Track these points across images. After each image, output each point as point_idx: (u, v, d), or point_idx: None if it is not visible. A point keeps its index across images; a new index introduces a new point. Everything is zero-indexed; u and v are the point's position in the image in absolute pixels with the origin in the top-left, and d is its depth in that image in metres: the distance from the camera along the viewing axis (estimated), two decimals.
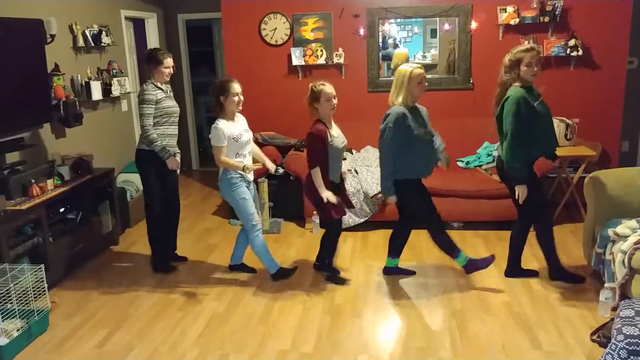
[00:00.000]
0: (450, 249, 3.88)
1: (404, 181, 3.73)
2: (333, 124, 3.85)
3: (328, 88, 3.73)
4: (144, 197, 4.34)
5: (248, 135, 3.94)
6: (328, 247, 4.11)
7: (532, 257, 4.25)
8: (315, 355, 3.10)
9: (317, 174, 3.73)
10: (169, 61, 4.01)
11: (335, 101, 3.76)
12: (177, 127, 4.19)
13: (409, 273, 4.11)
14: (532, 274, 4.00)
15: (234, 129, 3.81)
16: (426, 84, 3.70)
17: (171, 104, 4.09)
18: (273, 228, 5.12)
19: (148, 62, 4.01)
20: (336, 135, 3.81)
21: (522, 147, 3.53)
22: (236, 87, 3.78)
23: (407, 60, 5.80)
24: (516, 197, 3.65)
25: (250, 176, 3.98)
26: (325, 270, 4.14)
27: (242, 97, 3.83)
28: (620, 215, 3.69)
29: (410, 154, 3.65)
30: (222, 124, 3.76)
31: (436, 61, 5.95)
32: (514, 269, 3.99)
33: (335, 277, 4.05)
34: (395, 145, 3.61)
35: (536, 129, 3.57)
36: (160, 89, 4.02)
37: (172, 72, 4.07)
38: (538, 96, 3.63)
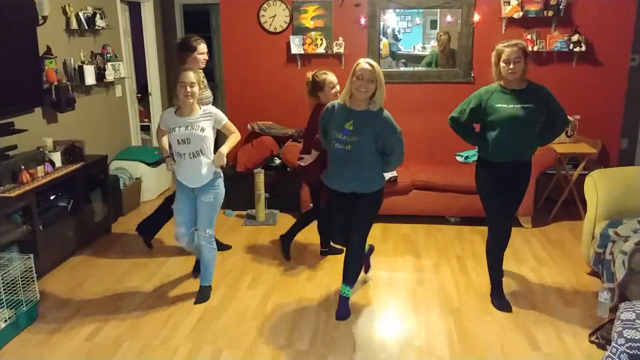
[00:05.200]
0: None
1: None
2: None
3: (331, 76, 3.71)
4: None
5: (188, 134, 3.34)
6: (300, 227, 4.26)
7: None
8: (311, 352, 3.04)
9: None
10: (202, 47, 3.88)
11: (338, 88, 3.72)
12: None
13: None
14: None
15: (172, 121, 3.40)
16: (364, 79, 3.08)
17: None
18: (269, 220, 5.05)
19: (181, 50, 3.87)
20: None
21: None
22: (190, 76, 3.36)
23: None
24: None
25: (192, 183, 3.44)
26: (285, 246, 4.30)
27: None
28: (621, 215, 3.65)
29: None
30: (168, 111, 3.51)
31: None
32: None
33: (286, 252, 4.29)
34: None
35: (490, 131, 3.35)
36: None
37: (206, 58, 3.93)
38: (516, 101, 3.22)
